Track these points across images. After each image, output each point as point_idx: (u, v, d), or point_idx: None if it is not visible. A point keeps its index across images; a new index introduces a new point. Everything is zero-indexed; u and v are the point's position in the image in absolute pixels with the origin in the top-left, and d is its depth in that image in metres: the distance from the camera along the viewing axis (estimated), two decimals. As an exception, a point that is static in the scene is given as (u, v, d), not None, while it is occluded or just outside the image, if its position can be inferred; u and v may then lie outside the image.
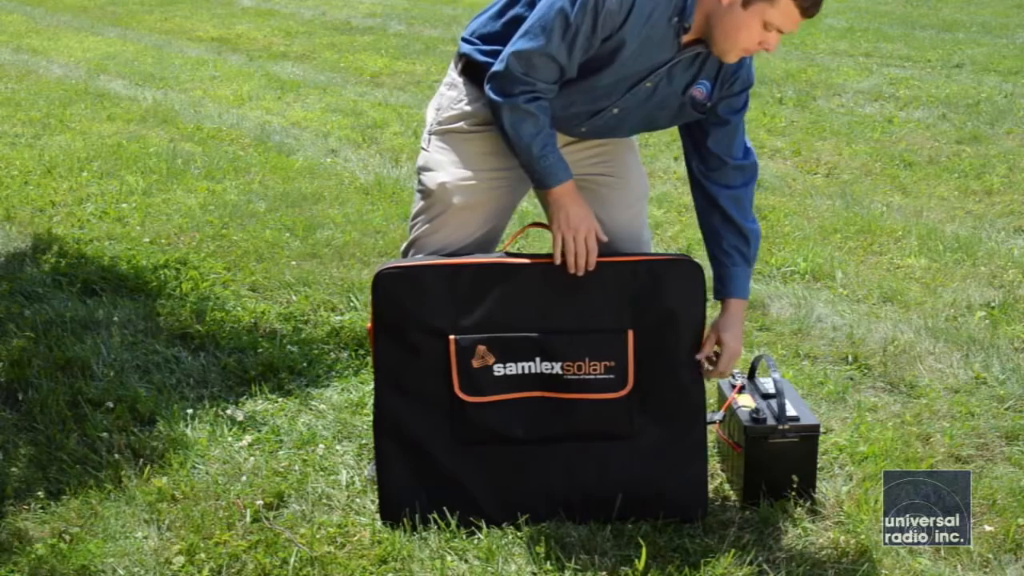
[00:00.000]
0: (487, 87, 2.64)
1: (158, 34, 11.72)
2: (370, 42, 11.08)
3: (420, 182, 2.85)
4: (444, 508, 2.75)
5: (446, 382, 2.72)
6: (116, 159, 6.39)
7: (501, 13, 2.72)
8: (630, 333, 2.71)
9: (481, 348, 2.69)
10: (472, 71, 2.76)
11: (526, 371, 2.71)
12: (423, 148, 2.87)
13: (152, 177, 6.00)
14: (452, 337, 2.70)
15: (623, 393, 2.73)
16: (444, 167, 2.79)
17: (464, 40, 2.80)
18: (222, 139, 7.02)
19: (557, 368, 2.70)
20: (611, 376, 2.71)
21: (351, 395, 3.48)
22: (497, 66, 2.60)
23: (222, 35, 11.54)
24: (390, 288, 2.72)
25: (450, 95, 2.83)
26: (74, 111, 7.80)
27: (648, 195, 3.02)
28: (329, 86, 8.83)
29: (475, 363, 2.70)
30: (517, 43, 2.57)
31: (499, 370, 2.70)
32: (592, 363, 2.70)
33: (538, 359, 2.70)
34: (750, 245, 2.86)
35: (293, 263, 4.65)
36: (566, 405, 2.73)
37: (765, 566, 2.63)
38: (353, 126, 7.40)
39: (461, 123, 2.79)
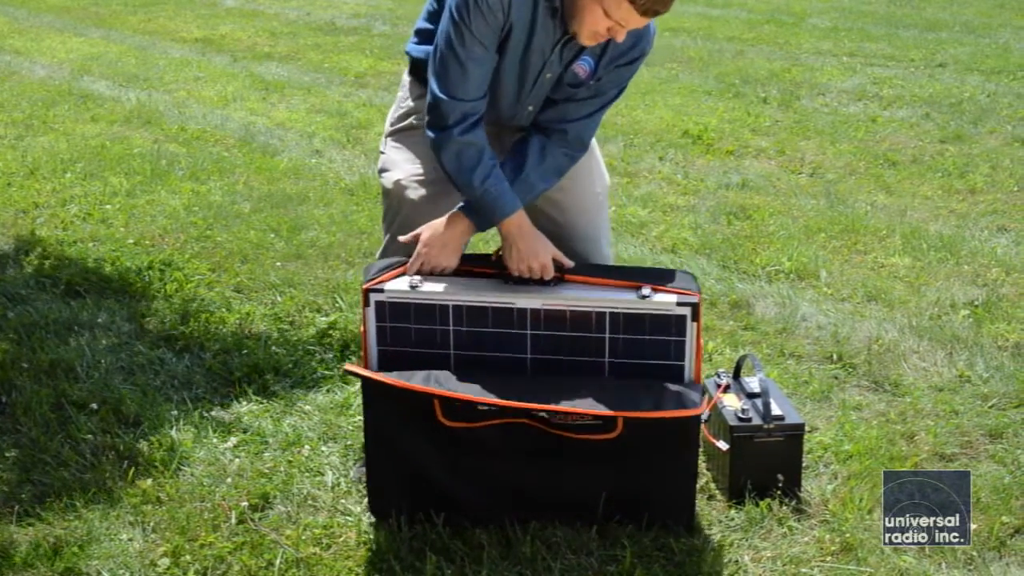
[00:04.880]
0: (426, 130, 2.71)
1: (142, 35, 11.67)
2: (355, 43, 11.06)
3: (381, 185, 2.92)
4: (431, 509, 2.73)
5: (429, 411, 2.63)
6: (100, 160, 6.36)
7: (427, 11, 2.83)
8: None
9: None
10: (415, 68, 2.89)
11: (511, 407, 2.60)
12: (381, 151, 2.95)
13: (136, 178, 5.98)
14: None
15: (612, 436, 2.61)
16: (398, 165, 2.87)
17: (411, 41, 2.91)
18: (206, 140, 7.00)
19: (543, 413, 2.59)
20: (599, 422, 2.60)
21: (336, 396, 3.47)
22: (428, 98, 2.69)
23: (206, 36, 11.50)
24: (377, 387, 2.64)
25: (400, 95, 2.95)
26: (57, 112, 7.77)
27: (605, 193, 3.02)
28: (314, 87, 8.81)
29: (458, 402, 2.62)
30: (431, 67, 2.67)
31: (483, 406, 2.60)
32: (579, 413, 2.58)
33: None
34: (512, 179, 2.74)
35: (278, 264, 4.64)
36: (553, 435, 2.63)
37: (750, 565, 2.63)
38: (338, 127, 7.38)
39: (411, 119, 2.88)
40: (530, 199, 2.79)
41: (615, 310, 2.68)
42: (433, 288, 2.71)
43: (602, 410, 2.56)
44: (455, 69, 2.62)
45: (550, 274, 2.70)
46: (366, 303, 2.72)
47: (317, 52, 10.49)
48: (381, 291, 2.71)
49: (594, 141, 3.01)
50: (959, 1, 13.80)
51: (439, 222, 2.74)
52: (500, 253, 2.79)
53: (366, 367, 2.77)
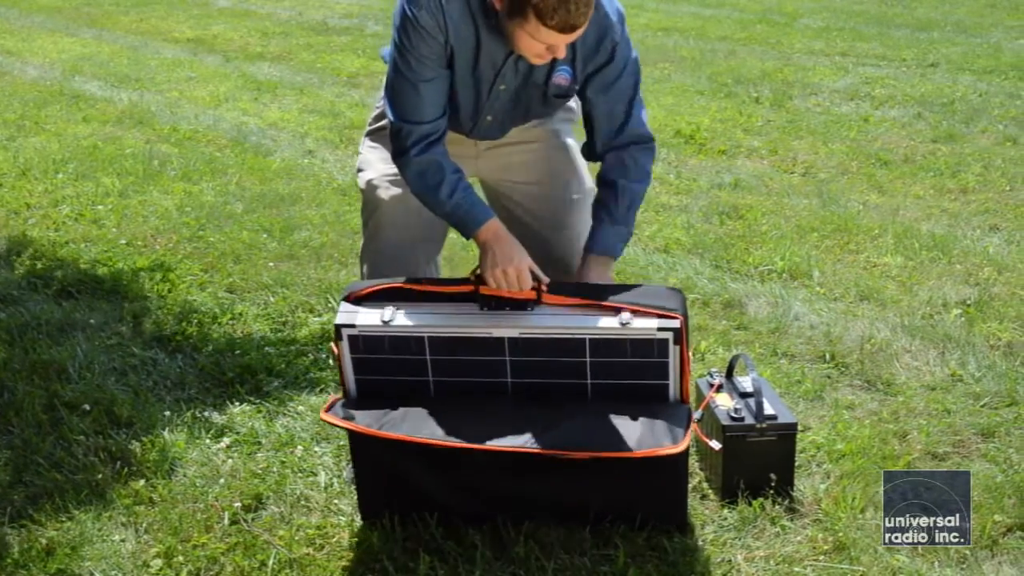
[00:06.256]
0: (392, 157, 2.74)
1: (134, 35, 11.65)
2: (347, 43, 11.05)
3: (358, 185, 2.95)
4: (423, 511, 2.72)
5: None
6: (92, 161, 6.35)
7: None
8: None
9: None
10: None
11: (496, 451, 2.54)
12: (359, 151, 2.98)
13: (128, 179, 5.97)
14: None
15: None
16: (372, 165, 2.91)
17: (385, 47, 2.90)
18: (199, 140, 6.99)
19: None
20: None
21: (329, 396, 3.46)
22: (388, 127, 2.71)
23: (198, 36, 11.49)
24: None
25: (378, 95, 2.97)
26: (49, 112, 7.76)
27: (584, 197, 2.99)
28: (306, 87, 8.81)
29: None
30: (386, 95, 2.69)
31: (467, 451, 2.54)
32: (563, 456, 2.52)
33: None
34: (618, 202, 2.78)
35: (270, 264, 4.63)
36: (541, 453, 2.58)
37: (743, 564, 2.64)
38: (330, 127, 7.38)
39: (386, 119, 2.85)
40: (639, 205, 2.86)
41: (595, 337, 2.60)
42: (406, 320, 2.62)
43: (586, 451, 2.50)
44: (409, 93, 2.63)
45: (526, 283, 2.62)
46: (339, 338, 2.64)
47: (309, 52, 10.48)
48: (353, 326, 2.62)
49: (575, 146, 3.01)
50: (951, 1, 13.82)
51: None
52: (477, 272, 2.71)
53: (345, 396, 2.71)
